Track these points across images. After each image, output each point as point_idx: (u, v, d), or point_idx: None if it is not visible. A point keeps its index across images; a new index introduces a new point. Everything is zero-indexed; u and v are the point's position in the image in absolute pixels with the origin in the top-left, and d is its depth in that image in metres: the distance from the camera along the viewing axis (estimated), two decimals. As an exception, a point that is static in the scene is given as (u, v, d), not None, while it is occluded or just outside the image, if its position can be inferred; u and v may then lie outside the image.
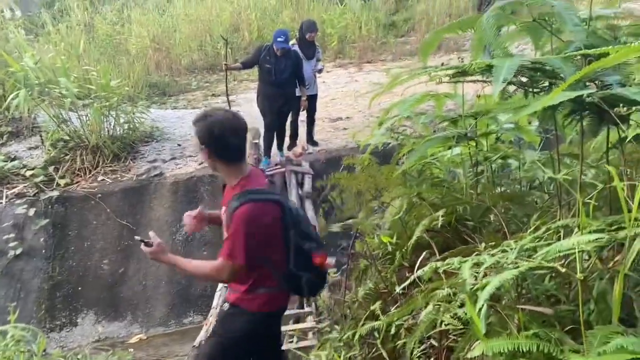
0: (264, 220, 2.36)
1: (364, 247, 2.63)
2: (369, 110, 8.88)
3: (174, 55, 12.92)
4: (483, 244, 1.96)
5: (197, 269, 2.61)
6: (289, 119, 7.14)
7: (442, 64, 1.91)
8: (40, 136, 7.43)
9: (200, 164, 7.24)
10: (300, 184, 6.78)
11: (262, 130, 7.05)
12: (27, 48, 7.38)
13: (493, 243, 1.75)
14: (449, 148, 2.97)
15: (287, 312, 4.40)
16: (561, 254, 1.27)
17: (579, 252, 1.21)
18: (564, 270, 1.22)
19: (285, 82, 6.51)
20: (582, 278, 1.22)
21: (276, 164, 7.02)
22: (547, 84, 2.11)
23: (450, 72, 2.10)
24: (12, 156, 7.36)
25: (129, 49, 12.90)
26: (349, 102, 9.58)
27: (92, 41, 12.67)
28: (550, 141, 3.07)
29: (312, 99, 7.24)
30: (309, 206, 6.36)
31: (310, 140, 7.60)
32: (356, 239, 2.69)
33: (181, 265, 2.56)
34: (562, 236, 1.55)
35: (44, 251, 6.47)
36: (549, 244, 1.33)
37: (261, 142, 7.14)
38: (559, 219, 1.71)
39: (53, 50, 8.93)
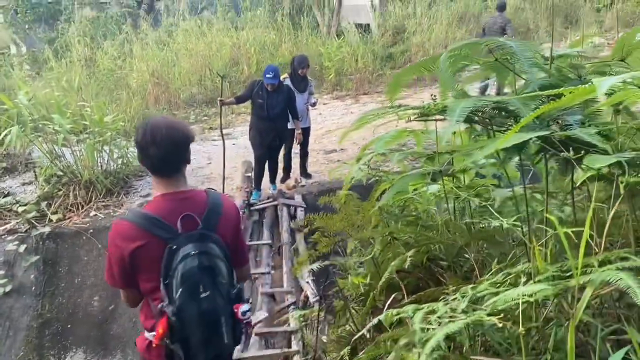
0: (120, 241, 2.08)
1: (340, 287, 2.58)
2: (364, 142, 8.92)
3: (173, 89, 13.04)
4: (451, 287, 1.92)
5: None
6: (282, 151, 7.15)
7: (432, 96, 1.90)
8: (34, 172, 7.46)
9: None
10: (293, 217, 6.73)
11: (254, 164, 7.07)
12: (22, 85, 7.45)
13: (459, 286, 1.70)
14: (419, 185, 2.96)
15: (273, 352, 4.33)
16: (507, 305, 1.22)
17: (524, 302, 1.16)
18: (506, 324, 1.17)
19: (277, 117, 6.53)
20: (523, 332, 1.17)
21: (268, 197, 6.99)
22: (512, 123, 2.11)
23: (413, 112, 2.09)
24: (6, 192, 7.39)
25: (130, 83, 13.06)
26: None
27: (93, 76, 12.82)
28: (534, 175, 3.05)
29: (305, 131, 7.27)
30: (300, 239, 6.31)
31: (304, 172, 7.59)
32: (331, 279, 2.63)
33: None
34: (522, 282, 1.50)
35: (33, 288, 6.41)
36: (497, 293, 1.28)
37: (253, 175, 7.14)
38: (520, 263, 1.67)
39: (54, 86, 9.05)
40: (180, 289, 2.01)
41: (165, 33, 16.08)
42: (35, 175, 7.40)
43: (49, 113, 7.01)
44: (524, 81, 1.99)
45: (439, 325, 1.39)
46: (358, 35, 15.44)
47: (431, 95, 2.55)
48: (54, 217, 6.83)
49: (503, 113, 1.95)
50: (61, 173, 7.24)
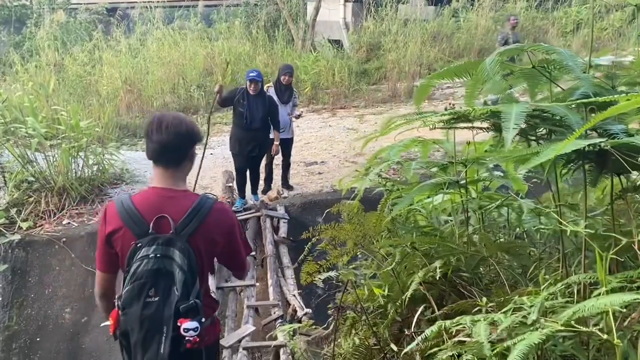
0: (103, 220, 2.16)
1: (354, 299, 2.49)
2: (344, 155, 8.91)
3: (146, 97, 12.78)
4: (484, 299, 1.86)
5: None
6: (264, 161, 7.06)
7: (446, 108, 1.84)
8: (3, 177, 7.12)
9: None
10: (276, 229, 6.61)
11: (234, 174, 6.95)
12: (-6, 86, 7.14)
13: (500, 300, 1.64)
14: (429, 195, 2.91)
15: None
16: (591, 314, 1.17)
17: (601, 313, 1.11)
18: (604, 335, 1.12)
19: (257, 127, 6.43)
20: (620, 344, 1.12)
21: (251, 208, 6.86)
22: (544, 131, 2.09)
23: (445, 118, 2.05)
24: (-28, 197, 7.02)
25: (100, 90, 12.73)
26: (324, 146, 9.57)
27: (62, 81, 12.46)
28: (534, 188, 3.05)
29: (288, 142, 7.20)
30: (284, 251, 6.20)
31: (286, 184, 7.50)
32: (344, 291, 2.54)
33: None
34: (575, 293, 1.46)
35: (0, 299, 6.08)
36: (566, 303, 1.23)
37: (234, 185, 7.01)
38: (563, 273, 1.63)
39: (21, 90, 8.72)
40: (128, 287, 2.03)
41: (137, 41, 15.80)
42: (5, 180, 7.06)
43: (22, 116, 6.72)
44: (558, 89, 1.97)
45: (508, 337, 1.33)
46: (334, 50, 15.53)
47: (449, 104, 2.52)
48: (24, 225, 6.51)
49: (537, 121, 1.93)
50: (32, 179, 6.94)
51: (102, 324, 2.24)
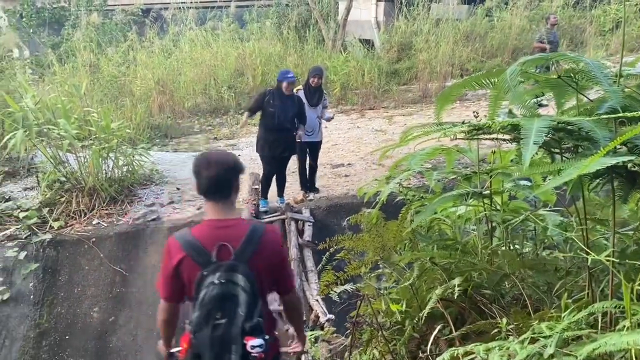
0: (167, 255, 2.35)
1: (369, 314, 2.43)
2: (372, 157, 8.81)
3: (178, 98, 12.93)
4: (504, 320, 1.77)
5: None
6: (293, 165, 7.06)
7: (463, 122, 1.76)
8: (37, 177, 7.29)
9: (198, 209, 7.07)
10: (301, 232, 6.58)
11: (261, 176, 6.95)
12: (28, 89, 7.31)
13: (519, 323, 1.55)
14: (454, 205, 2.82)
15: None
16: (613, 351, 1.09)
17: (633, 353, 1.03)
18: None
19: (287, 128, 6.45)
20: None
21: (276, 211, 6.85)
22: (570, 144, 1.98)
23: (466, 129, 1.96)
24: (7, 197, 7.21)
25: (133, 91, 12.93)
26: (351, 148, 9.50)
27: (97, 82, 12.70)
28: (563, 196, 2.92)
29: (316, 146, 7.16)
30: (308, 255, 6.16)
31: (312, 186, 7.45)
32: (360, 304, 2.48)
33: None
34: (599, 322, 1.36)
35: (32, 297, 6.22)
36: (589, 332, 1.14)
37: (260, 187, 7.01)
38: (589, 296, 1.53)
39: (57, 91, 8.91)
40: (197, 313, 2.21)
41: (170, 42, 16.01)
42: (38, 180, 7.23)
43: (55, 118, 6.86)
44: (586, 100, 1.86)
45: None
46: (364, 50, 15.42)
47: (474, 112, 2.43)
48: (56, 224, 6.66)
49: (562, 134, 1.83)
50: (64, 179, 7.08)
51: (173, 350, 2.46)
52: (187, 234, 2.34)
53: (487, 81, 1.93)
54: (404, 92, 13.60)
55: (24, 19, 19.63)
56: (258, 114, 6.64)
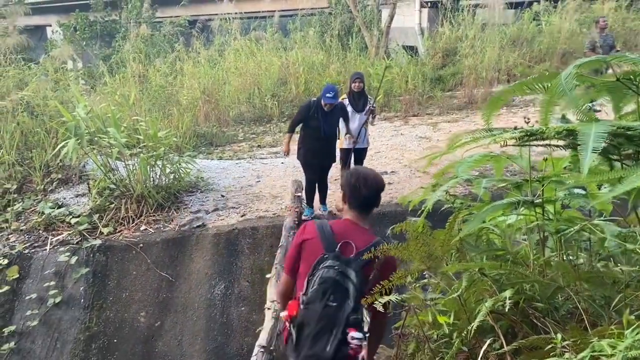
0: (302, 232, 2.63)
1: (415, 325, 2.36)
2: (415, 165, 8.69)
3: (223, 107, 13.16)
4: (559, 335, 1.69)
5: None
6: (339, 174, 7.06)
7: (515, 128, 1.69)
8: (88, 184, 7.53)
9: (242, 216, 7.13)
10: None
11: (304, 183, 6.95)
12: (80, 99, 7.58)
13: (576, 339, 1.47)
14: (503, 213, 2.72)
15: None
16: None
17: None
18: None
19: (330, 137, 6.47)
20: None
21: (319, 218, 6.83)
22: (630, 150, 1.88)
23: (517, 135, 1.89)
24: (60, 203, 7.47)
25: (180, 100, 13.24)
26: (395, 155, 9.40)
27: (145, 92, 13.07)
28: (620, 205, 2.77)
29: (362, 152, 7.13)
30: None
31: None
32: (407, 314, 2.42)
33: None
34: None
35: (82, 300, 6.41)
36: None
37: (303, 195, 7.01)
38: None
39: (107, 100, 9.21)
40: (316, 287, 2.39)
41: (216, 52, 16.33)
42: (89, 187, 7.47)
43: (105, 126, 7.08)
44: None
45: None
46: (407, 56, 15.30)
47: (524, 117, 2.34)
48: (105, 230, 6.85)
49: (622, 139, 1.73)
50: (114, 186, 7.29)
51: (281, 313, 2.63)
52: (325, 222, 2.64)
53: (539, 86, 1.86)
54: (449, 99, 13.39)
55: (77, 32, 20.45)
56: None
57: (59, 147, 6.88)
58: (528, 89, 1.84)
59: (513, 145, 2.02)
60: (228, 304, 6.40)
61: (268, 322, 4.31)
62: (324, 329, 2.31)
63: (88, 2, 21.97)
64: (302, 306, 2.41)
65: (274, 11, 19.18)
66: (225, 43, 16.69)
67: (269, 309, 4.59)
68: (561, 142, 1.89)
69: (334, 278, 2.38)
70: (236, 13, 17.98)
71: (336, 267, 2.40)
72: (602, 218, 2.62)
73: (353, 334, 2.32)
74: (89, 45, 20.15)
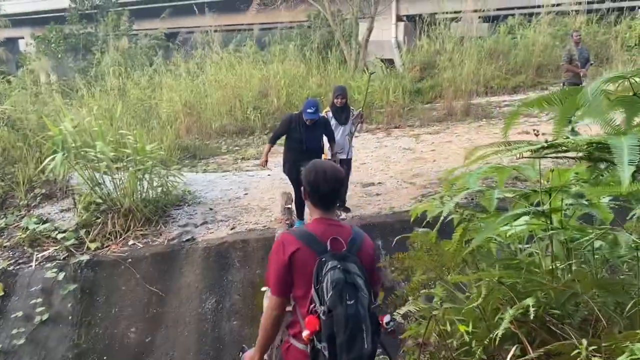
0: (282, 248, 2.48)
1: (429, 334, 2.41)
2: (401, 176, 8.79)
3: (205, 120, 13.13)
4: (584, 341, 1.75)
5: (261, 326, 2.60)
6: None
7: (535, 131, 1.76)
8: (73, 199, 7.41)
9: (232, 229, 7.11)
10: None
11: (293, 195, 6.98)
12: (66, 112, 7.49)
13: (611, 343, 1.53)
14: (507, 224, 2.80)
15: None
16: None
17: None
18: None
19: (314, 150, 6.43)
20: None
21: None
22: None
23: (537, 147, 1.96)
24: (45, 218, 7.34)
25: (160, 113, 13.16)
26: (380, 167, 9.50)
27: (124, 105, 12.97)
28: (618, 214, 2.88)
29: (346, 163, 7.17)
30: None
31: (342, 206, 7.45)
32: (428, 324, 2.46)
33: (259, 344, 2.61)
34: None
35: (70, 317, 6.28)
36: None
37: (294, 207, 7.03)
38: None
39: (88, 114, 9.11)
40: (331, 292, 2.31)
41: (195, 65, 16.31)
42: (75, 202, 7.36)
43: (92, 140, 7.00)
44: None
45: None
46: (386, 69, 15.52)
47: (534, 130, 2.42)
48: (92, 245, 6.75)
49: None
50: (100, 201, 7.19)
51: (304, 333, 2.37)
52: (301, 229, 2.59)
53: (556, 100, 1.93)
54: (429, 111, 13.61)
55: (52, 45, 20.17)
56: (282, 137, 6.67)
57: (46, 161, 6.78)
58: (547, 103, 1.91)
59: (529, 157, 2.09)
60: (219, 318, 6.35)
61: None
62: (354, 330, 2.27)
63: (63, 14, 21.73)
64: (323, 317, 2.30)
65: (254, 24, 19.26)
66: (205, 56, 16.68)
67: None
68: (578, 154, 1.97)
69: (342, 277, 2.35)
70: (216, 26, 18.01)
71: (339, 266, 2.37)
72: (604, 226, 2.72)
73: (385, 319, 2.41)
74: (63, 58, 19.89)
